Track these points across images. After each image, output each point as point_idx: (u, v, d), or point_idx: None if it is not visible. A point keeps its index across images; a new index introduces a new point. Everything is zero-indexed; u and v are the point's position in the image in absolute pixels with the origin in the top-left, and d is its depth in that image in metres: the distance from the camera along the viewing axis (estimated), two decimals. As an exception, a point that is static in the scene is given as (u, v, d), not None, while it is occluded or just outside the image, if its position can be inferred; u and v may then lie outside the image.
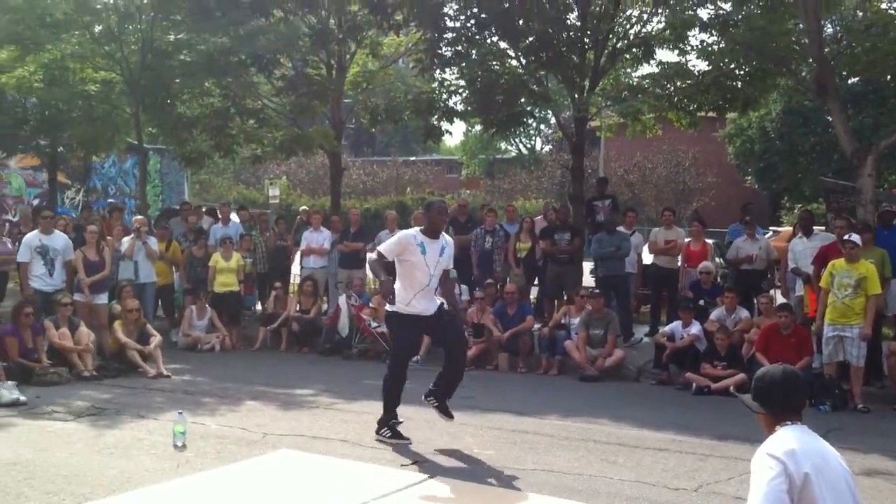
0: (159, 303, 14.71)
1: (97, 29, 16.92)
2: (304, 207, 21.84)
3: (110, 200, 22.08)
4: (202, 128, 17.54)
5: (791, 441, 3.57)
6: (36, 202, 22.47)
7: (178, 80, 16.84)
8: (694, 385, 10.87)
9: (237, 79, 16.84)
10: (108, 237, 13.68)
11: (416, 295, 7.74)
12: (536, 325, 12.93)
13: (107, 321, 12.39)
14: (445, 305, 8.03)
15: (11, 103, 18.26)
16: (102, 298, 12.68)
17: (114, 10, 16.55)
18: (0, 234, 13.78)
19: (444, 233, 8.04)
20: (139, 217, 14.88)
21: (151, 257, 13.75)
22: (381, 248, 7.91)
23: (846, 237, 10.47)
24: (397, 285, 7.78)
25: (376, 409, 8.37)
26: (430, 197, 37.28)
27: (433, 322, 7.93)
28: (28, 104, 18.48)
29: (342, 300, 13.82)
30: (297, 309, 14.11)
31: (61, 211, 20.01)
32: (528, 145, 58.82)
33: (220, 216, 16.21)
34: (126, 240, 13.74)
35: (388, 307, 8.06)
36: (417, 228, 8.03)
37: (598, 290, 12.78)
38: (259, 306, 15.44)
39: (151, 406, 9.47)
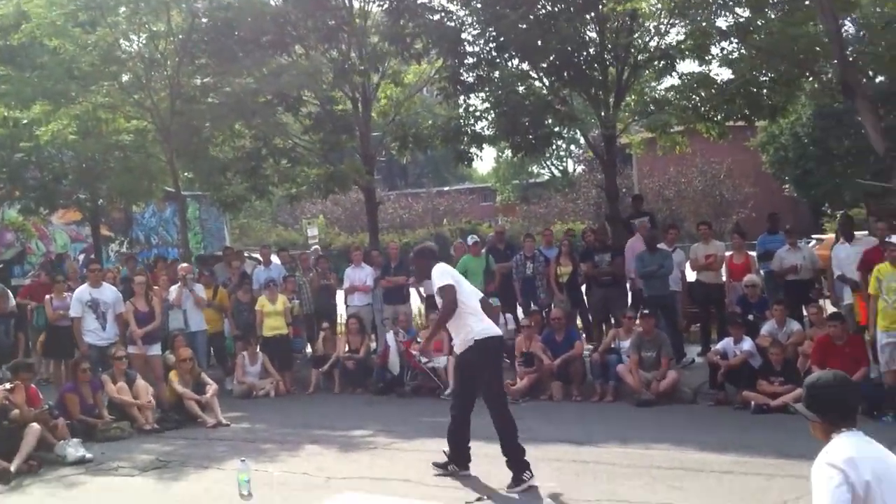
0: (211, 351, 14.86)
1: (125, 78, 17.20)
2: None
3: (154, 250, 22.41)
4: (236, 170, 17.76)
5: (849, 449, 3.55)
6: (82, 256, 22.84)
7: (208, 124, 17.08)
8: (752, 403, 10.74)
9: (266, 119, 17.06)
10: (156, 287, 13.86)
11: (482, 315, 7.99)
12: (587, 350, 12.89)
13: (162, 372, 12.53)
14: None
15: (48, 158, 18.60)
16: (156, 349, 12.81)
17: (139, 59, 16.83)
18: (60, 291, 13.98)
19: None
20: (184, 265, 15.06)
21: (199, 305, 13.90)
22: (442, 283, 7.81)
23: (888, 240, 10.34)
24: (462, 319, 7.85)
25: (435, 446, 8.40)
26: (467, 226, 37.53)
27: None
28: (65, 158, 18.82)
29: (390, 337, 13.87)
30: (347, 349, 14.17)
31: (108, 264, 20.30)
32: (560, 167, 58.90)
33: (261, 259, 16.38)
34: (173, 289, 13.90)
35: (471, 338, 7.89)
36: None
37: (647, 311, 12.70)
38: (309, 348, 15.53)
39: (214, 456, 9.59)
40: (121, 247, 24.61)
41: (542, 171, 57.62)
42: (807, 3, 12.83)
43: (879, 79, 25.87)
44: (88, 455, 9.58)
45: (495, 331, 7.98)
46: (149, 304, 12.91)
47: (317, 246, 25.50)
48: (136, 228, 25.63)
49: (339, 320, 15.87)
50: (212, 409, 11.63)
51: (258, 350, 14.06)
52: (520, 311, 14.53)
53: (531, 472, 7.62)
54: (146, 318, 12.76)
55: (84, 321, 12.40)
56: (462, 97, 16.94)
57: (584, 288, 14.61)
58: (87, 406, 11.03)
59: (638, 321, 12.75)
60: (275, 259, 16.37)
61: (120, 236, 25.16)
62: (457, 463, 8.13)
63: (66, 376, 12.81)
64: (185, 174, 19.14)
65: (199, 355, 13.39)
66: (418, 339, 13.66)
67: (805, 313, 12.33)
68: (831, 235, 18.43)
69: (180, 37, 16.40)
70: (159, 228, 26.25)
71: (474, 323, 7.79)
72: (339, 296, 15.92)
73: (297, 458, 9.36)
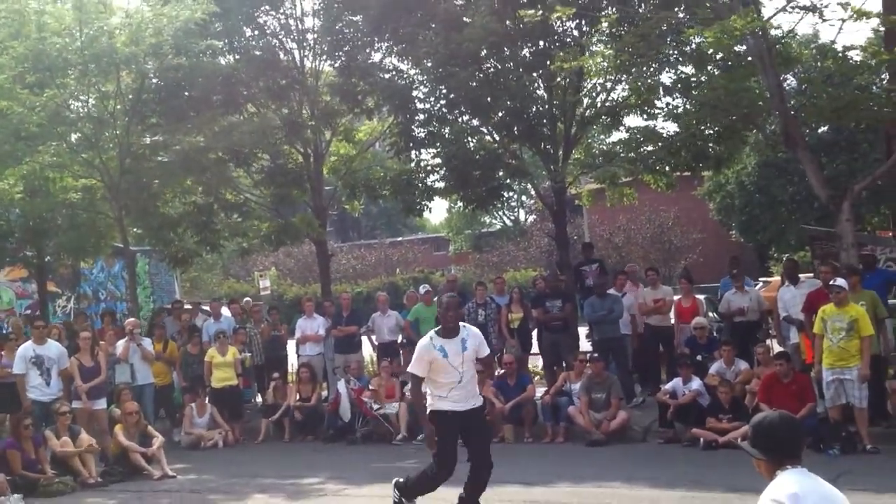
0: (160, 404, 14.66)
1: (73, 137, 17.08)
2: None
3: (102, 305, 22.09)
4: (186, 225, 17.67)
5: (792, 485, 3.60)
6: (27, 313, 22.45)
7: (157, 181, 16.99)
8: (701, 440, 10.87)
9: (216, 175, 17.02)
10: (102, 342, 13.70)
11: (450, 391, 7.67)
12: (538, 394, 12.94)
13: (107, 426, 12.32)
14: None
15: (-6, 217, 18.30)
16: (101, 403, 12.64)
17: (88, 119, 16.70)
18: (11, 349, 13.71)
19: (464, 324, 7.95)
20: (131, 319, 14.91)
21: (147, 359, 13.77)
22: (411, 370, 7.83)
23: (832, 282, 10.59)
24: (429, 387, 7.75)
25: (386, 492, 8.31)
26: (420, 276, 37.57)
27: (467, 420, 7.73)
28: (12, 216, 18.56)
29: (341, 385, 13.80)
30: (298, 398, 14.08)
31: (54, 320, 19.95)
32: (512, 217, 59.37)
33: (211, 312, 16.25)
34: (120, 343, 13.76)
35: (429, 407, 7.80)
36: (432, 332, 7.89)
37: (596, 355, 12.84)
38: (259, 398, 15.38)
39: (159, 508, 9.40)
40: (68, 302, 24.21)
41: (494, 220, 58.04)
42: (749, 59, 13.19)
43: (822, 129, 26.70)
44: (29, 510, 9.36)
45: (444, 406, 7.69)
46: (94, 359, 12.78)
47: (261, 295, 25.37)
48: (84, 284, 25.23)
49: (290, 370, 15.75)
50: (158, 461, 11.44)
51: (207, 401, 13.89)
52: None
53: None
54: (92, 373, 12.61)
55: (28, 377, 12.22)
56: (413, 152, 17.09)
57: (535, 333, 14.69)
58: (30, 462, 10.78)
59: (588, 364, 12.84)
60: (225, 312, 16.24)
61: (67, 292, 24.74)
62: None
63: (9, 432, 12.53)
64: (134, 230, 18.96)
65: (147, 408, 13.24)
66: (370, 387, 13.63)
67: (753, 353, 12.53)
68: (777, 278, 18.78)
69: (130, 97, 16.34)
70: (108, 283, 25.88)
71: (433, 392, 7.73)
72: (290, 346, 15.83)
73: (245, 508, 9.21)
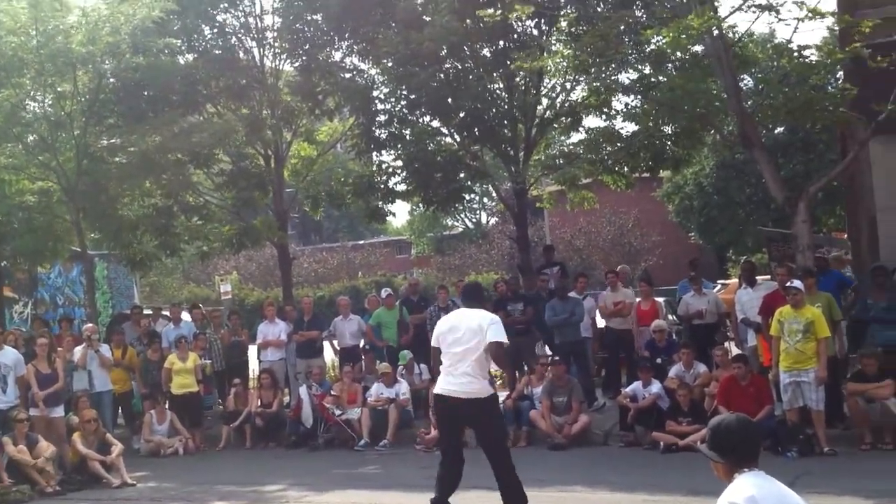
0: (119, 411, 14.50)
1: (30, 139, 16.86)
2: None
3: (60, 310, 21.80)
4: (145, 228, 17.51)
5: (750, 488, 3.65)
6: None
7: (114, 184, 16.79)
8: (661, 444, 10.97)
9: (176, 176, 16.88)
10: (59, 348, 13.52)
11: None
12: (501, 398, 12.96)
13: (65, 434, 12.17)
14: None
15: (-52, 221, 18.00)
16: (59, 411, 12.46)
17: (44, 119, 16.50)
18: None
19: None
20: (89, 325, 14.72)
21: (105, 365, 13.59)
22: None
23: (789, 284, 10.73)
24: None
25: (347, 498, 8.31)
26: (382, 279, 37.53)
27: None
28: (-34, 220, 18.24)
29: (303, 391, 13.73)
30: (259, 404, 13.98)
31: (11, 325, 19.65)
32: (474, 220, 59.51)
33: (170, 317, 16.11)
34: (78, 349, 13.57)
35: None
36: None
37: (557, 358, 12.88)
38: (220, 405, 15.26)
39: (118, 517, 9.31)
40: (25, 308, 23.85)
41: (455, 223, 58.13)
42: (706, 62, 13.32)
43: (778, 130, 27.07)
44: (-15, 521, 9.22)
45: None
46: (51, 367, 12.59)
47: (222, 299, 25.17)
48: (42, 289, 24.87)
49: (251, 376, 15.65)
50: (117, 469, 11.33)
51: (166, 408, 13.77)
52: (433, 361, 14.59)
53: None
54: (49, 380, 12.42)
55: (-16, 384, 12.01)
56: (374, 154, 17.08)
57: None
58: (-14, 470, 10.62)
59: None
60: (185, 317, 16.11)
61: (24, 297, 24.36)
62: None
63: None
64: (92, 234, 18.73)
65: (105, 416, 13.07)
66: (332, 392, 13.60)
67: (712, 356, 12.66)
68: (735, 281, 18.99)
69: (87, 97, 16.14)
70: (66, 288, 25.53)
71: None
72: (251, 352, 15.73)
73: (205, 515, 9.15)
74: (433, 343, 7.66)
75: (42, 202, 17.28)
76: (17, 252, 18.21)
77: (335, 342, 15.41)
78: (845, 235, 19.84)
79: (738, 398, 10.62)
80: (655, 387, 11.86)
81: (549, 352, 14.19)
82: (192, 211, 17.94)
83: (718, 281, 24.00)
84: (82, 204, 16.59)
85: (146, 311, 16.97)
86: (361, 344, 15.15)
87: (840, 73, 15.01)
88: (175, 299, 26.87)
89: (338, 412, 13.20)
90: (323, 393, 13.64)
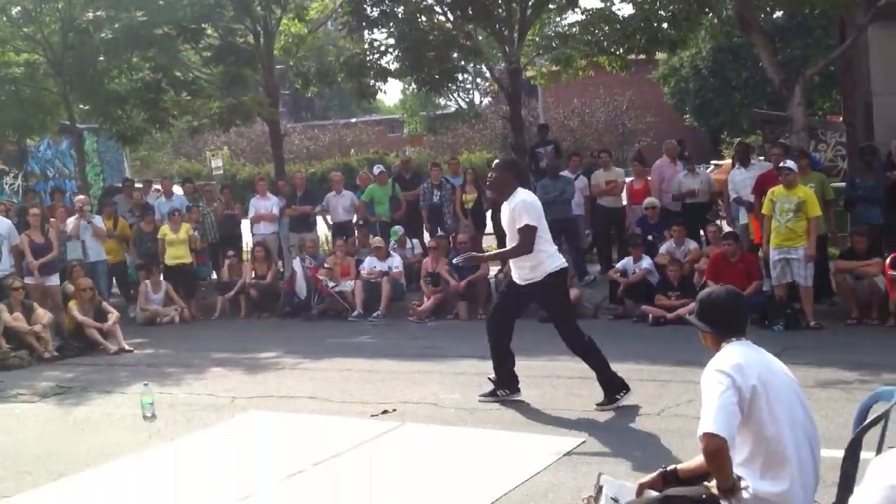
0: (114, 281, 14.65)
1: (14, 11, 16.48)
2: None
3: (51, 182, 21.73)
4: (134, 103, 17.30)
5: (737, 356, 3.73)
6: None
7: (102, 58, 16.51)
8: (650, 316, 11.17)
9: (164, 50, 16.56)
10: (52, 219, 13.56)
11: None
12: (492, 272, 13.10)
13: (61, 302, 12.32)
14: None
15: (-65, 93, 17.76)
16: (54, 280, 12.63)
17: (29, -10, 16.14)
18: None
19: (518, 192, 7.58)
20: (81, 196, 14.70)
21: (98, 236, 13.68)
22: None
23: (782, 164, 10.75)
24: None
25: (342, 365, 8.45)
26: (374, 157, 37.33)
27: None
28: (-47, 91, 17.99)
29: (297, 263, 13.85)
30: (253, 276, 14.12)
31: (2, 197, 19.62)
32: (467, 99, 58.85)
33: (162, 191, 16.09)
34: (70, 220, 13.61)
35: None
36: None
37: (549, 234, 12.93)
38: (214, 275, 15.40)
39: (117, 381, 9.49)
40: (15, 180, 23.75)
41: (448, 103, 57.49)
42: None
43: (776, 14, 26.57)
44: (-15, 383, 9.40)
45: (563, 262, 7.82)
46: (45, 236, 12.67)
47: (213, 174, 25.06)
48: (32, 161, 24.69)
49: (244, 248, 15.74)
50: (114, 335, 11.50)
51: (161, 278, 13.89)
52: (426, 236, 14.69)
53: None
54: (43, 249, 12.55)
55: (-22, 253, 12.07)
56: (366, 32, 16.72)
57: (489, 214, 14.77)
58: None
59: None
60: (177, 190, 16.07)
61: (14, 170, 24.22)
62: (508, 387, 7.85)
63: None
64: (81, 107, 18.51)
65: (100, 285, 13.24)
66: (325, 265, 13.71)
67: (703, 234, 12.77)
68: (728, 161, 18.97)
69: (72, -33, 15.73)
70: (56, 161, 25.34)
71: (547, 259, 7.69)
72: (245, 225, 15.78)
73: (203, 380, 9.33)
74: (535, 224, 7.56)
75: (28, 74, 17.04)
76: (4, 124, 18.06)
77: (328, 217, 15.45)
78: (840, 119, 19.75)
79: (727, 273, 10.73)
80: (646, 262, 12.00)
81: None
82: (180, 86, 17.66)
83: (712, 161, 23.98)
84: (69, 77, 16.36)
85: (137, 185, 16.92)
86: (354, 219, 15.19)
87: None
88: (166, 174, 26.73)
89: (331, 284, 13.35)
90: (316, 266, 13.76)
